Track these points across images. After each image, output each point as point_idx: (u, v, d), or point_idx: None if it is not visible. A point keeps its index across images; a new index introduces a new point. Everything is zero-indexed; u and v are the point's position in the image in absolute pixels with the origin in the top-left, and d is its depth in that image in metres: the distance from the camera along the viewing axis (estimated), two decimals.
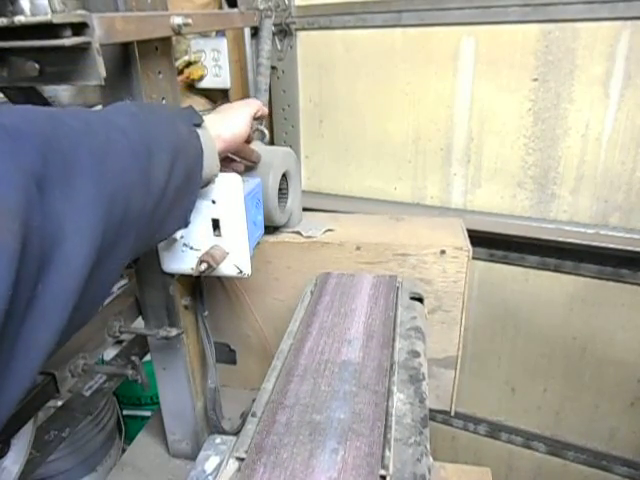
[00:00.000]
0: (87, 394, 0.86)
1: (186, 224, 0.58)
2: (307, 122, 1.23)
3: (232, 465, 0.44)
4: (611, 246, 1.01)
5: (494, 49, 1.00)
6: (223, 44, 1.12)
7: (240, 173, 0.67)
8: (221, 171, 0.62)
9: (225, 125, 0.63)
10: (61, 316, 0.32)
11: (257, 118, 0.71)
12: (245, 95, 1.22)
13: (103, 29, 0.48)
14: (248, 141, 0.74)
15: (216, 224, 0.65)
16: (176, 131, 0.51)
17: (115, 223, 0.39)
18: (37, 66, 0.47)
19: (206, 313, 0.79)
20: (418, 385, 0.53)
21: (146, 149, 0.45)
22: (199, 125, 0.57)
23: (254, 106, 0.69)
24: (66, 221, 0.32)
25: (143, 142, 0.45)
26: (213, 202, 0.64)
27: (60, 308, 0.32)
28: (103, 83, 0.48)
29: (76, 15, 0.45)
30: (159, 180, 0.46)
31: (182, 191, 0.52)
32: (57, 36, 0.44)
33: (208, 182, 0.60)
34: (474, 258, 0.85)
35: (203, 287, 0.79)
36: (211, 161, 0.57)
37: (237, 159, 0.73)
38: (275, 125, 1.25)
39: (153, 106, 0.58)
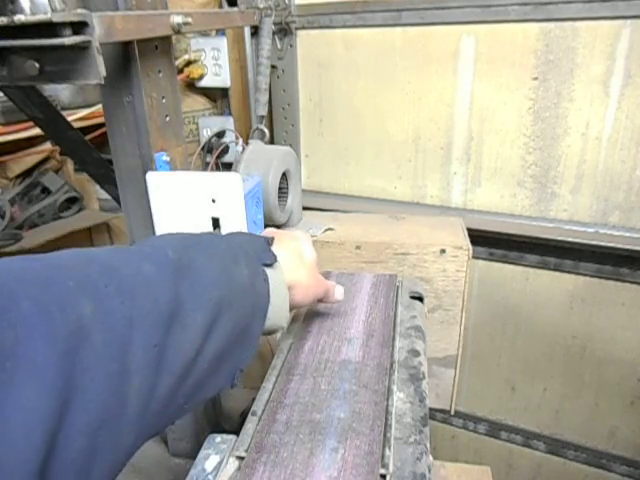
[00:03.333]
0: None
1: (232, 385, 0.43)
2: (307, 121, 1.23)
3: (232, 464, 0.44)
4: (611, 245, 1.01)
5: (494, 48, 1.00)
6: (223, 43, 1.12)
7: None
8: None
9: (303, 267, 0.51)
10: None
11: None
12: (245, 94, 1.22)
13: (103, 28, 0.48)
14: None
15: (216, 223, 0.65)
16: (230, 276, 0.41)
17: (99, 430, 0.28)
18: (37, 65, 0.47)
19: None
20: (418, 384, 0.53)
21: (168, 316, 0.34)
22: (270, 265, 0.46)
23: (310, 238, 0.59)
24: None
25: (167, 302, 0.34)
26: (213, 201, 0.64)
27: None
28: (103, 82, 0.48)
29: (76, 14, 0.44)
30: (184, 352, 0.35)
31: (227, 352, 0.40)
32: (57, 35, 0.44)
33: (270, 333, 0.48)
34: (474, 257, 0.85)
35: None
36: (279, 311, 0.46)
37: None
38: (275, 124, 1.25)
39: (209, 239, 0.44)
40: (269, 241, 0.48)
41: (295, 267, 0.50)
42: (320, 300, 0.57)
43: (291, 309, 0.49)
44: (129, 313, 0.31)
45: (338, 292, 0.59)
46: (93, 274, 0.32)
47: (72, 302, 0.29)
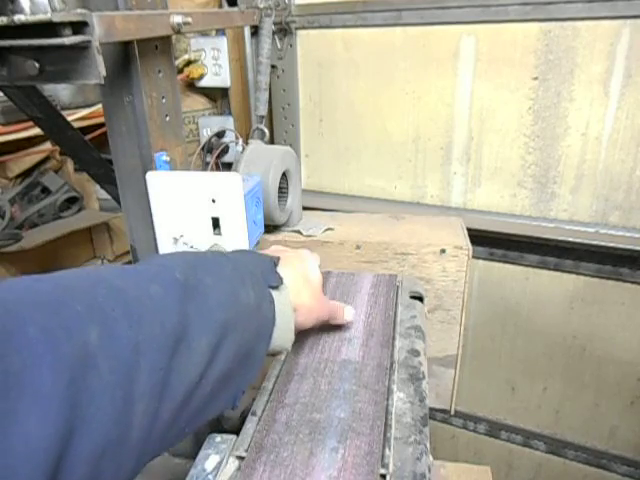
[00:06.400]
0: None
1: (233, 407, 0.43)
2: (307, 121, 1.23)
3: (232, 464, 0.44)
4: (611, 245, 1.01)
5: (494, 48, 1.00)
6: (223, 43, 1.12)
7: None
8: None
9: (308, 289, 0.50)
10: None
11: None
12: (245, 94, 1.22)
13: (103, 28, 0.48)
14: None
15: (216, 223, 0.65)
16: (237, 298, 0.40)
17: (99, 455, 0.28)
18: (37, 65, 0.47)
19: None
20: (418, 384, 0.53)
21: (174, 340, 0.33)
22: (276, 287, 0.46)
23: (318, 257, 0.58)
24: None
25: (174, 325, 0.34)
26: (213, 201, 0.64)
27: None
28: (103, 82, 0.48)
29: (76, 14, 0.44)
30: (188, 376, 0.34)
31: (230, 375, 0.39)
32: (57, 35, 0.44)
33: (274, 355, 0.49)
34: (474, 257, 0.85)
35: None
36: (284, 333, 0.46)
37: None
38: (275, 124, 1.25)
39: (215, 259, 0.44)
40: (275, 262, 0.48)
41: (300, 289, 0.49)
42: (327, 321, 0.56)
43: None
44: (135, 338, 0.31)
45: (348, 313, 0.59)
46: (100, 297, 0.31)
47: (79, 328, 0.28)
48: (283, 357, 0.57)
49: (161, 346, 0.32)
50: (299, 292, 0.49)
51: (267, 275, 0.46)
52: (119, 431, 0.29)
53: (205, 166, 1.12)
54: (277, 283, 0.46)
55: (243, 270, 0.43)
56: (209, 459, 0.45)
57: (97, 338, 0.29)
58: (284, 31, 1.14)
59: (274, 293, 0.45)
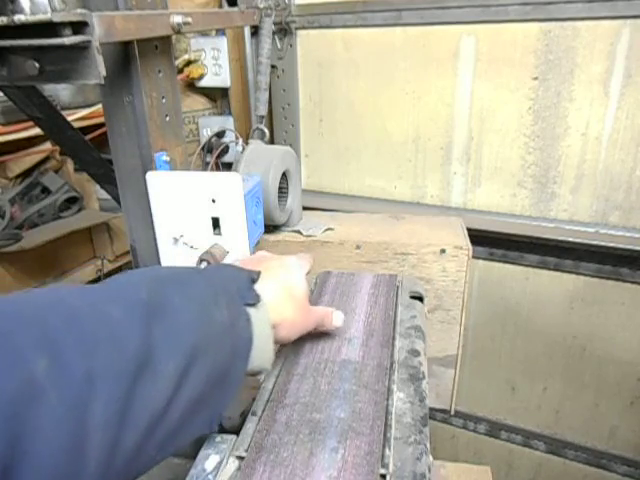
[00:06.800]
0: None
1: (211, 429, 0.42)
2: (307, 121, 1.23)
3: (232, 464, 0.44)
4: (611, 245, 1.01)
5: (494, 48, 1.00)
6: (223, 43, 1.12)
7: None
8: None
9: (291, 302, 0.48)
10: None
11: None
12: (245, 94, 1.22)
13: (103, 28, 0.48)
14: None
15: (216, 223, 0.65)
16: (209, 318, 0.38)
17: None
18: (37, 65, 0.47)
19: None
20: (418, 384, 0.53)
21: (136, 366, 0.32)
22: (254, 304, 0.43)
23: (307, 264, 0.55)
24: None
25: (135, 350, 0.32)
26: (213, 201, 0.64)
27: None
28: (103, 82, 0.48)
29: (76, 14, 0.44)
30: (153, 403, 0.32)
31: (204, 399, 0.37)
32: (57, 35, 0.44)
33: (253, 375, 0.46)
34: (474, 257, 0.85)
35: None
36: (262, 353, 0.43)
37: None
38: (275, 124, 1.25)
39: (188, 276, 0.42)
40: (254, 277, 0.45)
41: (282, 303, 0.47)
42: (316, 328, 0.55)
43: (275, 344, 0.46)
44: (89, 366, 0.29)
45: (337, 319, 0.56)
46: (52, 323, 0.29)
47: (25, 358, 0.27)
48: (283, 357, 0.57)
49: (120, 373, 0.31)
50: (281, 307, 0.46)
51: (243, 292, 0.43)
52: (71, 465, 0.28)
53: (205, 166, 1.12)
54: (254, 300, 0.43)
55: (217, 287, 0.41)
56: (209, 459, 0.45)
57: (46, 368, 0.27)
58: (284, 31, 1.14)
59: (251, 311, 0.43)
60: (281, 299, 0.47)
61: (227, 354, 0.40)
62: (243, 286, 0.44)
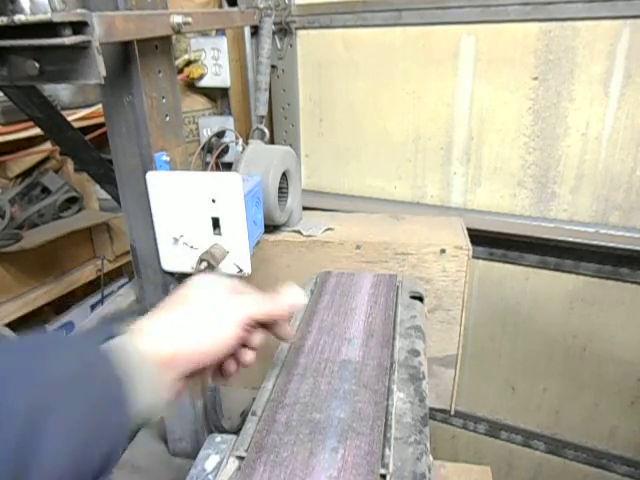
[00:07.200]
0: None
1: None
2: (307, 121, 1.23)
3: (232, 464, 0.44)
4: (611, 245, 1.01)
5: (494, 48, 1.00)
6: (223, 43, 1.12)
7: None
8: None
9: (187, 332, 0.40)
10: None
11: (264, 325, 0.47)
12: (245, 94, 1.22)
13: (103, 28, 0.48)
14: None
15: (216, 223, 0.65)
16: (44, 370, 0.32)
17: None
18: (37, 65, 0.47)
19: None
20: (418, 384, 0.53)
21: None
22: (113, 337, 0.37)
23: (253, 308, 0.44)
24: None
25: None
26: (213, 201, 0.64)
27: None
28: (103, 82, 0.48)
29: (76, 14, 0.44)
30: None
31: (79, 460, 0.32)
32: (57, 35, 0.44)
33: (147, 420, 0.39)
34: (474, 257, 0.85)
35: None
36: (150, 392, 0.37)
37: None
38: (275, 124, 1.25)
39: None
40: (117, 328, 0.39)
41: (174, 331, 0.40)
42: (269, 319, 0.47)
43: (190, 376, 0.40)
44: None
45: (292, 297, 0.47)
46: None
47: None
48: (283, 357, 0.57)
49: None
50: (166, 336, 0.40)
51: (103, 330, 0.38)
52: None
53: (205, 166, 1.12)
54: (111, 334, 0.37)
55: (50, 339, 0.36)
56: (209, 459, 0.45)
57: None
58: (284, 31, 1.14)
59: (112, 344, 0.37)
60: (168, 328, 0.40)
61: (89, 402, 0.33)
62: (105, 327, 0.39)
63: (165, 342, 0.39)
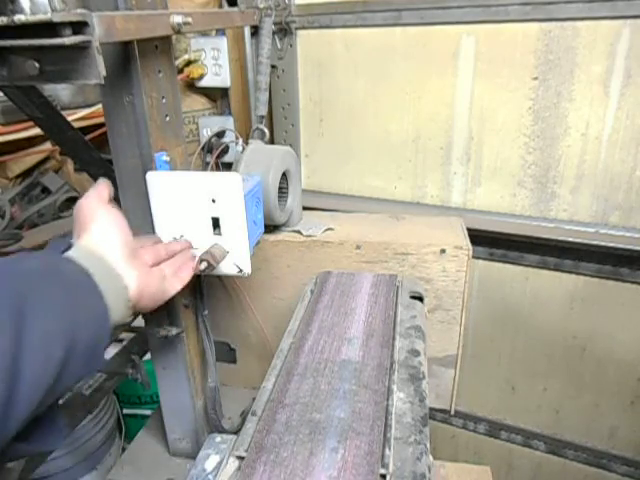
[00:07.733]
0: (87, 393, 0.86)
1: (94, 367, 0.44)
2: (307, 121, 1.23)
3: (232, 464, 0.44)
4: (611, 245, 1.01)
5: (494, 48, 1.00)
6: (223, 43, 1.12)
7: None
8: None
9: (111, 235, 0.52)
10: None
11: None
12: (245, 94, 1.22)
13: (103, 28, 0.48)
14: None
15: (216, 223, 0.65)
16: (19, 269, 0.40)
17: None
18: (37, 65, 0.47)
19: (206, 312, 0.79)
20: (418, 384, 0.53)
21: None
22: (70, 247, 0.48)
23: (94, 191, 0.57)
24: None
25: None
26: (213, 201, 0.64)
27: None
28: (103, 82, 0.48)
29: (76, 14, 0.44)
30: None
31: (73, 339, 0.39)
32: (57, 35, 0.44)
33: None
34: (474, 257, 0.85)
35: (203, 286, 0.79)
36: (113, 280, 0.48)
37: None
38: (275, 124, 1.25)
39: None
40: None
41: (105, 235, 0.51)
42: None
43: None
44: None
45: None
46: None
47: None
48: (283, 357, 0.57)
49: None
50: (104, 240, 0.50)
51: (54, 247, 0.47)
52: None
53: (205, 166, 1.12)
54: (67, 245, 0.47)
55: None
56: (209, 459, 0.45)
57: None
58: (284, 31, 1.14)
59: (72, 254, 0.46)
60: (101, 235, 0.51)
61: (63, 287, 0.41)
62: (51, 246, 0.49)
63: (100, 241, 0.49)
